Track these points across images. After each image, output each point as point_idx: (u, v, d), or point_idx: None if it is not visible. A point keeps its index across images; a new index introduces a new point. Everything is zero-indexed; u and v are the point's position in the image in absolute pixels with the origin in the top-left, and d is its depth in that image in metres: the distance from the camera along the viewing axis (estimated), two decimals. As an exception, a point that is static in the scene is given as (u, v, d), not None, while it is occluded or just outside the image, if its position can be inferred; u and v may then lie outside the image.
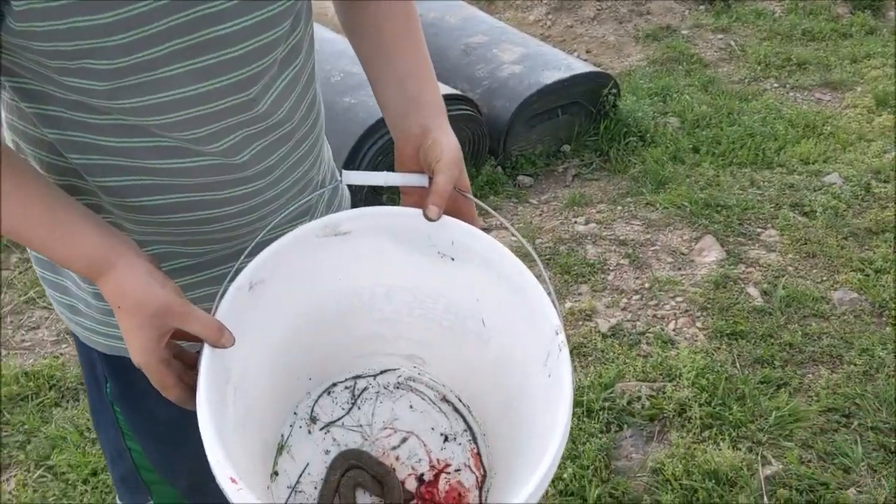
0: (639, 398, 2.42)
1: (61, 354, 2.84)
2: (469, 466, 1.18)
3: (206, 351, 0.91)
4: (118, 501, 1.46)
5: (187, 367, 0.95)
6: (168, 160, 0.93)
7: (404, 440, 1.20)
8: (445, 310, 1.16)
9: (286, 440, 1.17)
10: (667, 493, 2.15)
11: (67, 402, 2.63)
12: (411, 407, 1.23)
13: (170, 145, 0.92)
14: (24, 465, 2.39)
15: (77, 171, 0.95)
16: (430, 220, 1.01)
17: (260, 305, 1.01)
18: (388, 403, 1.23)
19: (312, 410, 1.21)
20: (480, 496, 1.17)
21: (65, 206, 0.88)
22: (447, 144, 1.02)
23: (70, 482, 2.30)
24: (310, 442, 1.17)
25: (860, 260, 3.09)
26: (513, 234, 0.97)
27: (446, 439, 1.20)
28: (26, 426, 2.51)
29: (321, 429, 1.19)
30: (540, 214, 3.56)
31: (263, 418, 1.11)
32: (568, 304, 2.94)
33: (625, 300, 2.98)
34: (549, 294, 1.01)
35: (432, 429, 1.21)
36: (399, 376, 1.26)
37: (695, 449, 2.27)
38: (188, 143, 0.92)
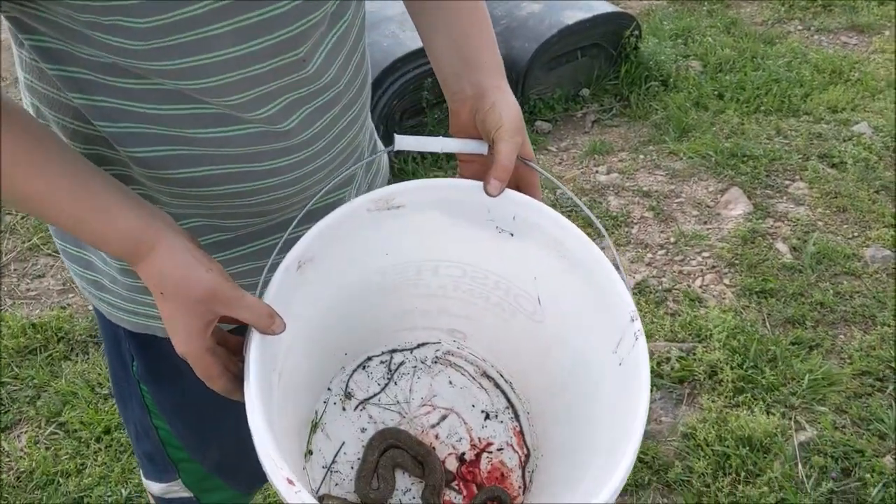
0: (668, 360, 2.38)
1: (68, 305, 2.80)
2: (511, 445, 1.14)
3: (255, 339, 0.84)
4: (144, 479, 1.42)
5: (231, 354, 0.88)
6: (209, 129, 0.86)
7: (444, 418, 1.15)
8: (495, 286, 1.10)
9: (320, 417, 1.12)
10: (699, 459, 2.12)
11: (77, 355, 2.59)
12: (450, 383, 1.18)
13: (211, 112, 0.85)
14: (34, 422, 2.36)
15: (105, 140, 0.88)
16: (491, 195, 0.94)
17: (306, 284, 0.95)
18: (425, 379, 1.18)
19: (347, 386, 1.16)
20: (524, 476, 1.13)
21: (95, 181, 0.81)
22: (507, 108, 0.94)
23: (83, 440, 2.27)
24: (345, 419, 1.13)
25: (893, 215, 3.02)
26: (595, 226, 0.90)
27: (487, 417, 1.16)
28: (35, 381, 2.47)
29: (356, 406, 1.14)
30: (560, 163, 3.49)
31: (300, 396, 1.06)
32: (591, 259, 2.87)
33: (650, 255, 2.92)
34: (619, 273, 0.95)
35: (473, 406, 1.16)
36: (437, 350, 1.21)
37: (727, 414, 2.23)
38: (231, 109, 0.85)
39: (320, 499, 1.04)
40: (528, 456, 1.15)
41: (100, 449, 2.26)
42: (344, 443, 1.11)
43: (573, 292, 1.01)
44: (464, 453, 1.13)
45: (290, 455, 0.99)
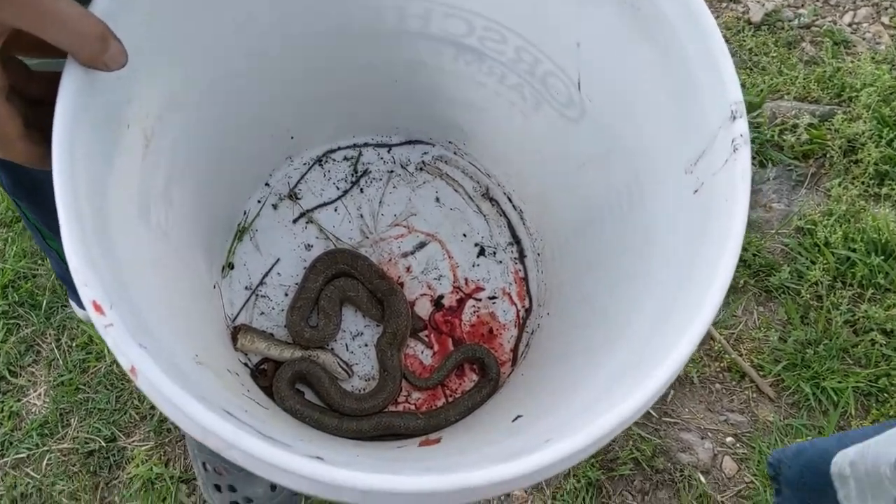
0: (794, 127, 2.04)
1: None
2: (510, 294, 0.98)
3: (71, 68, 0.56)
4: (71, 302, 1.30)
5: (38, 104, 0.59)
6: None
7: (421, 246, 0.97)
8: (516, 56, 0.82)
9: (251, 222, 0.96)
10: (814, 263, 1.83)
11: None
12: (437, 200, 1.00)
13: None
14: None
15: None
16: None
17: None
18: (403, 190, 1.00)
19: (295, 184, 0.98)
20: (520, 336, 0.96)
21: None
22: None
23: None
24: (284, 230, 0.97)
25: None
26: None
27: (482, 252, 0.97)
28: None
29: (303, 214, 0.97)
30: None
31: (211, 184, 0.84)
32: (712, -24, 2.46)
33: (790, -25, 2.48)
34: None
35: (464, 235, 0.98)
36: (425, 153, 1.00)
37: (861, 207, 1.91)
38: None
39: (235, 330, 0.91)
40: (528, 311, 0.97)
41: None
42: (279, 260, 0.95)
43: (637, 69, 0.71)
44: (442, 296, 0.96)
45: (189, 269, 0.80)
